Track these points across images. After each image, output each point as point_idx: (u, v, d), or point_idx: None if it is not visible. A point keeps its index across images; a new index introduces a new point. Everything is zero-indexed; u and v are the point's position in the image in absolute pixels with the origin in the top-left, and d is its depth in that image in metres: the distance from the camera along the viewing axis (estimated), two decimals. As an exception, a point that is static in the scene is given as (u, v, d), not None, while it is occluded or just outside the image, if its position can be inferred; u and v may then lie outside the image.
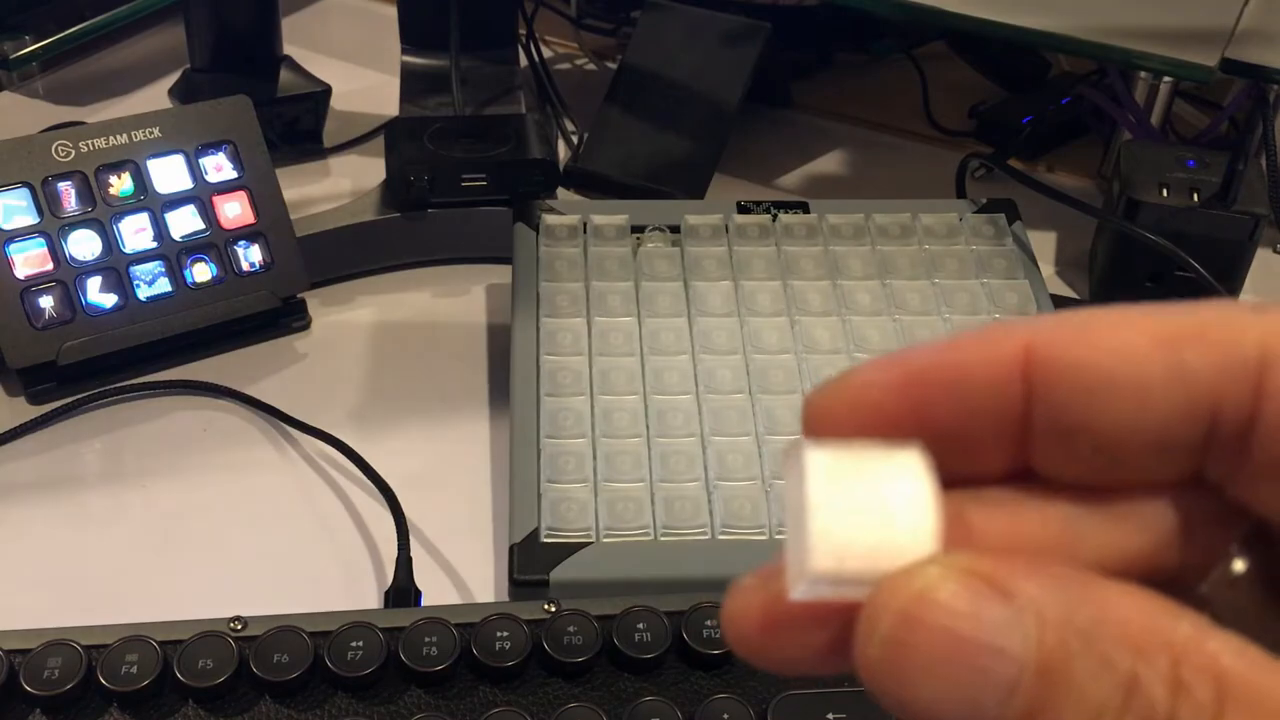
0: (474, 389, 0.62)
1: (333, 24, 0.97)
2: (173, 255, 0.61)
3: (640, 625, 0.42)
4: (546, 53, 0.90)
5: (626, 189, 0.74)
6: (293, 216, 0.64)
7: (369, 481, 0.55)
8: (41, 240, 0.58)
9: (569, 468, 0.51)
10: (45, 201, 0.58)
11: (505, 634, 0.42)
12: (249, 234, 0.62)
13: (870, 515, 0.17)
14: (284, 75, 0.78)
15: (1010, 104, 0.85)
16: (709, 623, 0.42)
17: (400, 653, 0.41)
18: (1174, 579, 0.18)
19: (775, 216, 0.64)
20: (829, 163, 0.82)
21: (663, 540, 0.49)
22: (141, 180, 0.60)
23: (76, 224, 0.59)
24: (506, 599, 0.49)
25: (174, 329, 0.60)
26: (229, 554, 0.52)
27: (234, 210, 0.62)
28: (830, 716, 0.40)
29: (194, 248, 0.61)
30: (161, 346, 0.61)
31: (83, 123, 0.72)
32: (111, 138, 0.60)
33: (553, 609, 0.43)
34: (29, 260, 0.58)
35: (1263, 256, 0.70)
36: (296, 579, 0.51)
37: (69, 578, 0.51)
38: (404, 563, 0.50)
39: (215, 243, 0.61)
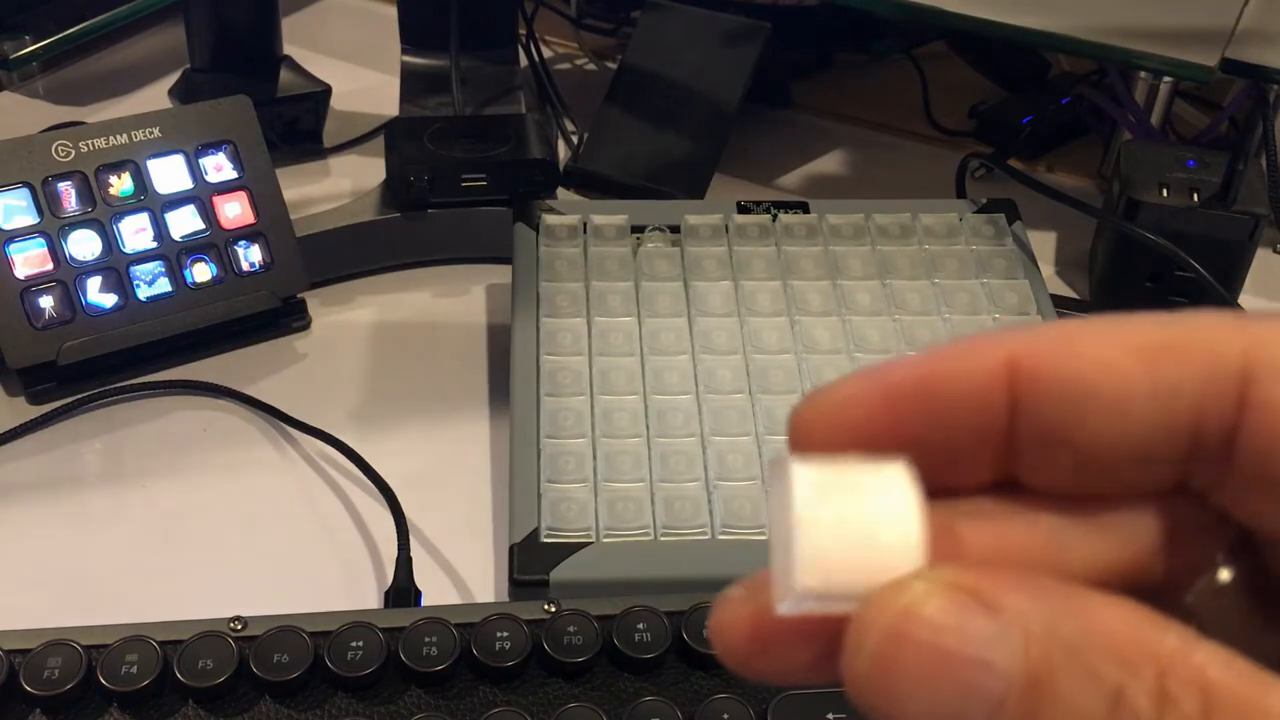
0: (474, 389, 0.62)
1: (333, 24, 0.97)
2: (173, 255, 0.61)
3: (640, 625, 0.42)
4: (546, 53, 0.90)
5: (626, 189, 0.74)
6: (293, 216, 0.64)
7: (369, 481, 0.55)
8: (41, 240, 0.58)
9: (569, 468, 0.51)
10: (45, 201, 0.58)
11: (505, 634, 0.42)
12: (249, 234, 0.62)
13: (856, 531, 0.17)
14: (284, 75, 0.78)
15: (1010, 104, 0.85)
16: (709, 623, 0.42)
17: (400, 653, 0.41)
18: (1160, 588, 0.18)
19: (775, 216, 0.64)
20: (829, 163, 0.82)
21: (663, 540, 0.49)
22: (141, 180, 0.60)
23: (76, 224, 0.59)
24: (506, 599, 0.49)
25: (174, 329, 0.60)
26: (229, 554, 0.52)
27: (234, 210, 0.62)
28: (830, 717, 0.40)
29: (194, 248, 0.61)
30: (161, 346, 0.61)
31: (83, 123, 0.73)
32: (111, 138, 0.60)
33: (553, 609, 0.43)
34: (29, 260, 0.58)
35: (1263, 256, 0.70)
36: (296, 579, 0.51)
37: (69, 578, 0.51)
38: (404, 563, 0.50)
39: (215, 243, 0.61)
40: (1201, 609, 0.18)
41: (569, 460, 0.51)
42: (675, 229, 0.63)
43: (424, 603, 0.49)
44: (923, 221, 0.63)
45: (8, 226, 0.57)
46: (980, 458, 0.18)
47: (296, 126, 0.78)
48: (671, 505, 0.50)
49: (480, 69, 0.80)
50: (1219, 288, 0.62)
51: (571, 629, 0.42)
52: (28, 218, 0.58)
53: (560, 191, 0.70)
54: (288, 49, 0.80)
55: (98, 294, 0.59)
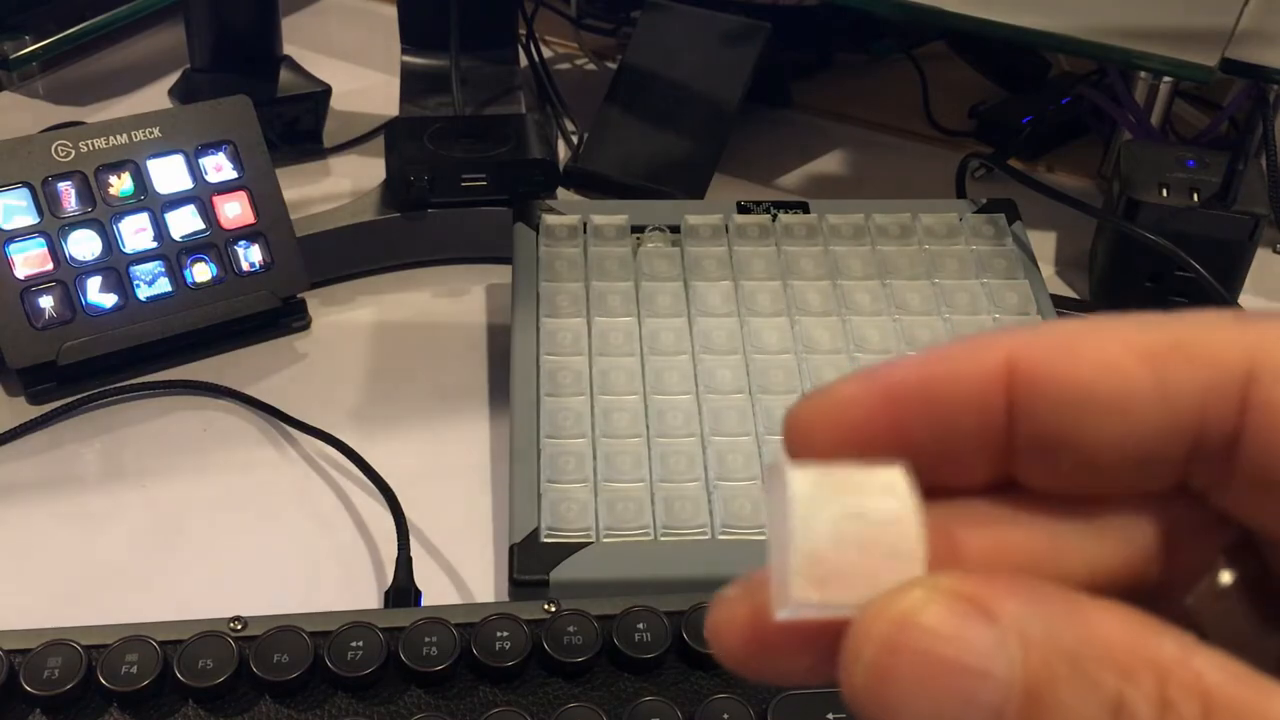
0: (474, 389, 0.62)
1: (333, 24, 0.97)
2: (173, 255, 0.61)
3: (640, 625, 0.42)
4: (546, 53, 0.90)
5: (626, 189, 0.74)
6: (293, 216, 0.64)
7: (369, 481, 0.55)
8: (41, 240, 0.58)
9: (569, 468, 0.51)
10: (45, 201, 0.58)
11: (505, 634, 0.42)
12: (249, 234, 0.62)
13: (853, 538, 0.17)
14: (284, 75, 0.78)
15: (1010, 104, 0.85)
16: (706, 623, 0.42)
17: (400, 653, 0.41)
18: (1160, 590, 0.18)
19: (775, 216, 0.64)
20: (829, 163, 0.82)
21: (663, 540, 0.49)
22: (141, 180, 0.60)
23: (76, 224, 0.59)
24: (506, 599, 0.49)
25: (174, 329, 0.60)
26: (229, 554, 0.52)
27: (234, 210, 0.62)
28: (830, 716, 0.40)
29: (194, 248, 0.61)
30: (161, 346, 0.61)
31: (83, 123, 0.73)
32: (111, 138, 0.60)
33: (553, 609, 0.43)
34: (29, 260, 0.58)
35: (1263, 256, 0.70)
36: (296, 579, 0.51)
37: (69, 578, 0.51)
38: (404, 563, 0.50)
39: (215, 243, 0.61)
40: (1202, 611, 0.18)
41: (569, 460, 0.51)
42: (675, 229, 0.63)
43: (424, 603, 0.49)
44: (923, 221, 0.63)
45: (8, 226, 0.57)
46: (979, 459, 0.18)
47: (296, 126, 0.78)
48: (671, 505, 0.50)
49: (480, 69, 0.80)
50: (1219, 288, 0.62)
51: (571, 629, 0.42)
52: (28, 218, 0.58)
53: (560, 191, 0.70)
54: (288, 49, 0.80)
55: (98, 294, 0.59)
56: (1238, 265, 0.65)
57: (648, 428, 0.53)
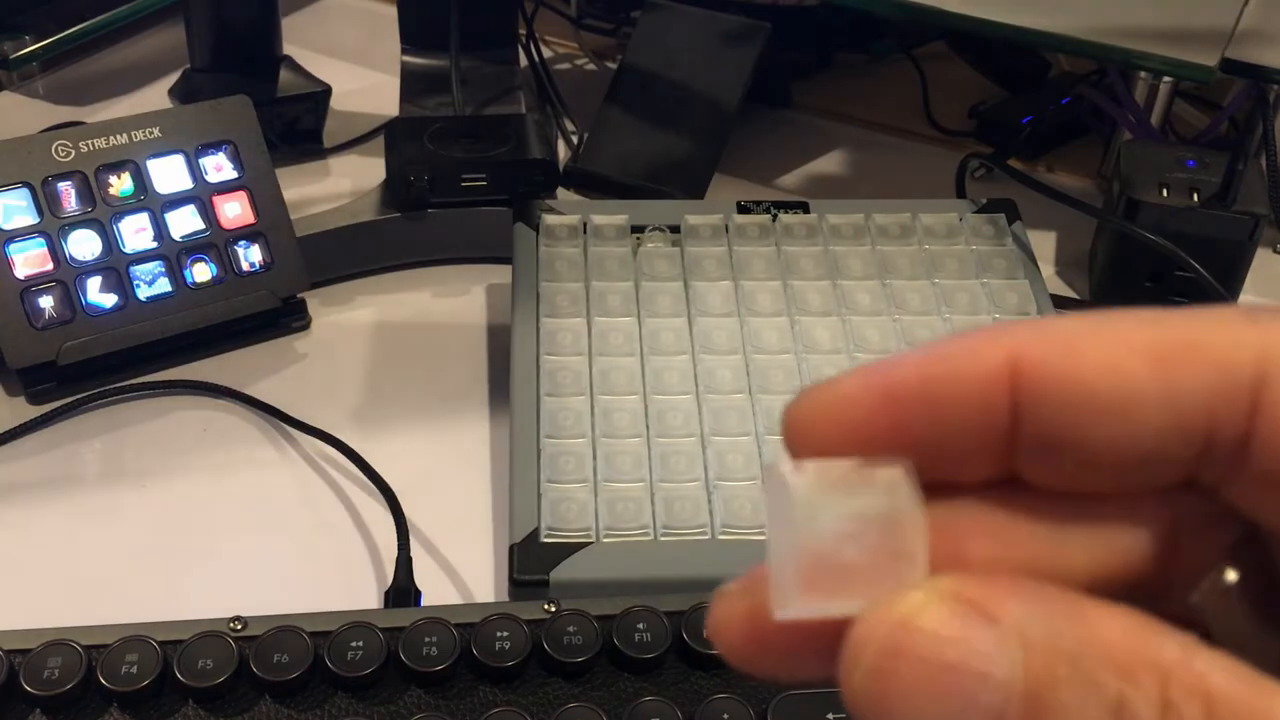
0: (474, 389, 0.62)
1: (333, 24, 0.97)
2: (173, 255, 0.61)
3: (640, 625, 0.42)
4: (546, 53, 0.90)
5: (626, 189, 0.74)
6: (293, 216, 0.64)
7: (369, 481, 0.55)
8: (41, 240, 0.58)
9: (569, 468, 0.51)
10: (45, 201, 0.58)
11: (505, 634, 0.42)
12: (249, 234, 0.62)
13: (854, 538, 0.16)
14: (284, 75, 0.78)
15: (1010, 104, 0.85)
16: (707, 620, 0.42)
17: (400, 653, 0.41)
18: (1165, 586, 0.18)
19: (775, 216, 0.64)
20: (829, 163, 0.82)
21: (663, 540, 0.49)
22: (141, 180, 0.60)
23: (76, 224, 0.59)
24: (506, 599, 0.49)
25: (174, 329, 0.60)
26: (229, 554, 0.52)
27: (234, 210, 0.62)
28: (830, 716, 0.40)
29: (194, 248, 0.61)
30: (161, 346, 0.61)
31: (83, 123, 0.73)
32: (111, 138, 0.60)
33: (553, 609, 0.43)
34: (29, 260, 0.58)
35: (1263, 256, 0.70)
36: (296, 579, 0.51)
37: (69, 578, 0.51)
38: (404, 563, 0.50)
39: (215, 243, 0.61)
40: (1206, 608, 0.18)
41: (569, 460, 0.51)
42: (675, 229, 0.63)
43: (424, 603, 0.49)
44: (923, 221, 0.63)
45: (8, 226, 0.57)
46: (981, 457, 0.18)
47: (296, 126, 0.78)
48: (671, 505, 0.50)
49: (480, 69, 0.80)
50: (1219, 288, 0.62)
51: (571, 629, 0.42)
52: (28, 218, 0.58)
53: (560, 191, 0.70)
54: (288, 49, 0.80)
55: (98, 294, 0.59)
56: (1238, 265, 0.65)
57: (648, 428, 0.53)
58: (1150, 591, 0.18)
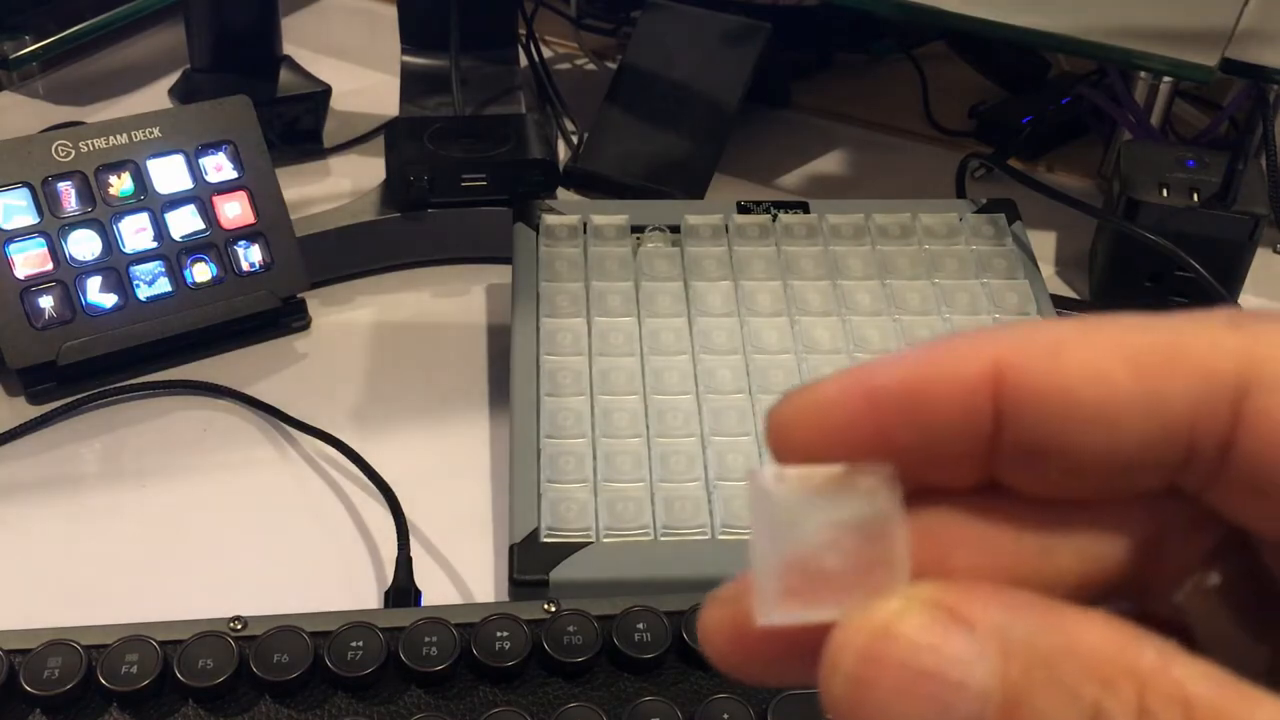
0: (474, 389, 0.62)
1: (333, 24, 0.97)
2: (173, 255, 0.61)
3: (640, 625, 0.42)
4: (546, 53, 0.90)
5: (626, 189, 0.74)
6: (293, 216, 0.64)
7: (369, 481, 0.55)
8: (41, 240, 0.58)
9: (569, 468, 0.51)
10: (45, 201, 0.58)
11: (505, 634, 0.42)
12: (249, 234, 0.62)
13: (835, 545, 0.17)
14: (284, 75, 0.78)
15: (1010, 104, 0.85)
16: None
17: (400, 653, 0.41)
18: (1152, 586, 0.18)
19: (775, 216, 0.64)
20: (829, 163, 0.82)
21: (663, 540, 0.49)
22: (141, 180, 0.60)
23: (76, 224, 0.59)
24: (506, 599, 0.49)
25: (174, 329, 0.60)
26: (229, 554, 0.52)
27: (234, 210, 0.62)
28: (830, 717, 0.40)
29: (194, 248, 0.61)
30: (161, 346, 0.61)
31: (83, 123, 0.73)
32: (111, 138, 0.60)
33: (553, 609, 0.43)
34: (29, 260, 0.58)
35: (1263, 256, 0.70)
36: (296, 579, 0.51)
37: (69, 578, 0.51)
38: (404, 563, 0.50)
39: (215, 243, 0.61)
40: (1190, 610, 0.18)
41: (569, 460, 0.51)
42: (675, 229, 0.63)
43: (424, 603, 0.49)
44: (923, 221, 0.63)
45: (8, 226, 0.57)
46: (965, 462, 0.18)
47: (296, 126, 0.78)
48: (671, 505, 0.50)
49: (480, 69, 0.80)
50: (1219, 288, 0.62)
51: (571, 629, 0.42)
52: (28, 218, 0.58)
53: (560, 191, 0.70)
54: (288, 49, 0.80)
55: (98, 294, 0.59)
56: (1238, 265, 0.65)
57: (648, 428, 0.53)
58: (1139, 591, 0.18)
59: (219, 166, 0.62)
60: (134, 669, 0.40)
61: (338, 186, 0.76)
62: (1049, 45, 0.77)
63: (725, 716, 0.40)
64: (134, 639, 0.41)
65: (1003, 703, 0.15)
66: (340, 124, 0.80)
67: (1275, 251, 0.74)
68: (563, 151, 0.78)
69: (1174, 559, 0.18)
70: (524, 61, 0.84)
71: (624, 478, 0.51)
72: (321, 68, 0.80)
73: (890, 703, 0.15)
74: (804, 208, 0.64)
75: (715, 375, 0.55)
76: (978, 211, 0.64)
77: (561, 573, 0.47)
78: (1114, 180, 0.70)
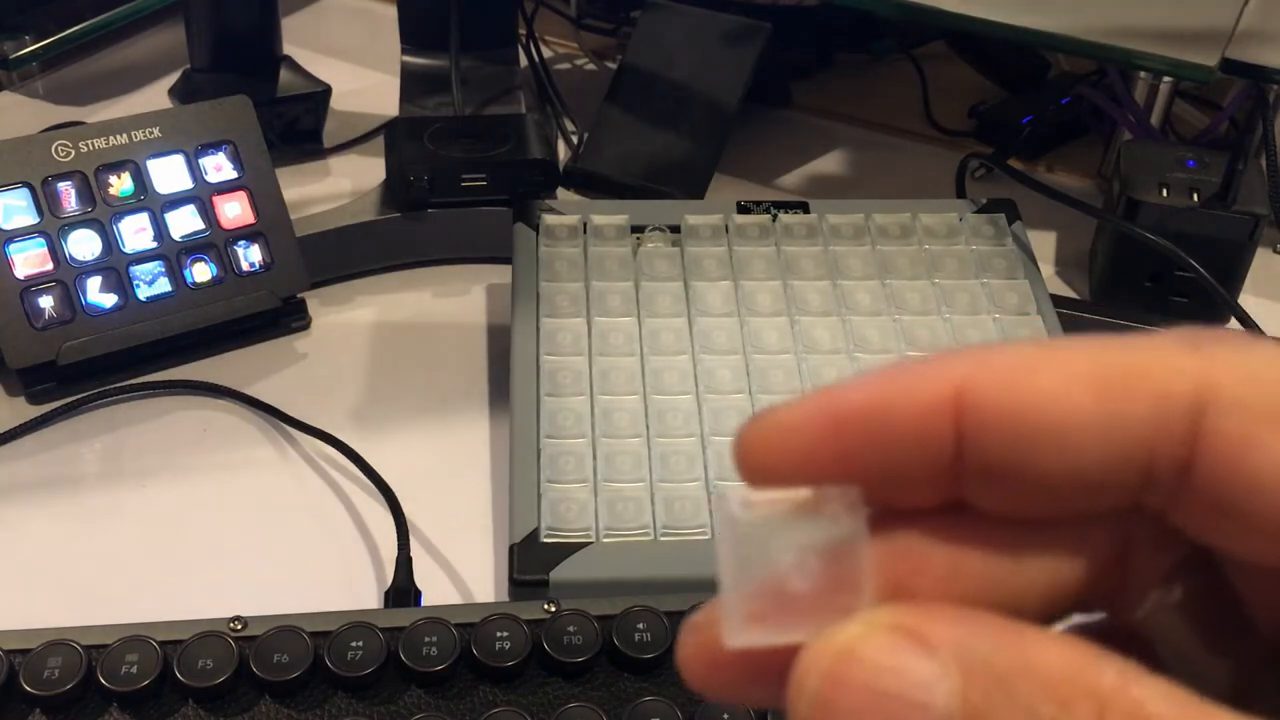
0: (474, 389, 0.62)
1: (333, 24, 0.97)
2: (173, 255, 0.61)
3: (640, 625, 0.42)
4: (546, 53, 0.90)
5: (626, 189, 0.74)
6: (293, 216, 0.64)
7: (369, 481, 0.55)
8: (41, 240, 0.58)
9: (569, 468, 0.51)
10: (45, 201, 0.58)
11: (505, 634, 0.42)
12: (249, 234, 0.62)
13: (800, 569, 0.17)
14: (284, 75, 0.78)
15: (1010, 104, 0.85)
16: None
17: (400, 653, 0.41)
18: (1117, 601, 0.18)
19: (775, 216, 0.64)
20: (829, 163, 0.82)
21: (663, 540, 0.49)
22: (141, 180, 0.60)
23: (76, 224, 0.59)
24: (506, 599, 0.49)
25: (174, 329, 0.60)
26: (229, 554, 0.52)
27: (234, 210, 0.62)
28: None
29: (194, 248, 0.61)
30: (161, 346, 0.61)
31: (83, 123, 0.73)
32: (111, 138, 0.60)
33: (553, 609, 0.43)
34: (29, 260, 0.58)
35: (1263, 256, 0.70)
36: (296, 579, 0.51)
37: (69, 578, 0.51)
38: (404, 563, 0.50)
39: (215, 243, 0.61)
40: (1153, 625, 0.18)
41: (569, 460, 0.51)
42: (675, 229, 0.63)
43: (424, 603, 0.49)
44: (923, 221, 0.63)
45: (8, 226, 0.57)
46: (930, 484, 0.18)
47: (296, 126, 0.78)
48: (671, 505, 0.50)
49: (480, 69, 0.80)
50: (1219, 288, 0.62)
51: (571, 629, 0.42)
52: (28, 218, 0.58)
53: (560, 191, 0.70)
54: (288, 49, 0.80)
55: (98, 294, 0.59)
56: (1238, 265, 0.65)
57: (648, 428, 0.53)
58: (1107, 605, 0.19)
59: (219, 166, 0.62)
60: (134, 669, 0.40)
61: (338, 186, 0.76)
62: (1049, 45, 0.77)
63: (725, 716, 0.40)
64: (134, 639, 0.41)
65: None
66: (340, 124, 0.80)
67: (1275, 251, 0.74)
68: (563, 151, 0.78)
69: (1139, 575, 0.18)
70: (524, 61, 0.84)
71: (624, 478, 0.51)
72: (321, 68, 0.80)
73: None
74: (804, 208, 0.64)
75: (715, 375, 0.55)
76: (978, 211, 0.64)
77: (561, 573, 0.47)
78: (1114, 180, 0.70)
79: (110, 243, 0.59)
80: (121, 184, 0.60)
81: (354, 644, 0.41)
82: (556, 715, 0.40)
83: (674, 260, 0.61)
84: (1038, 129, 0.81)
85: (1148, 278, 0.66)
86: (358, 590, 0.51)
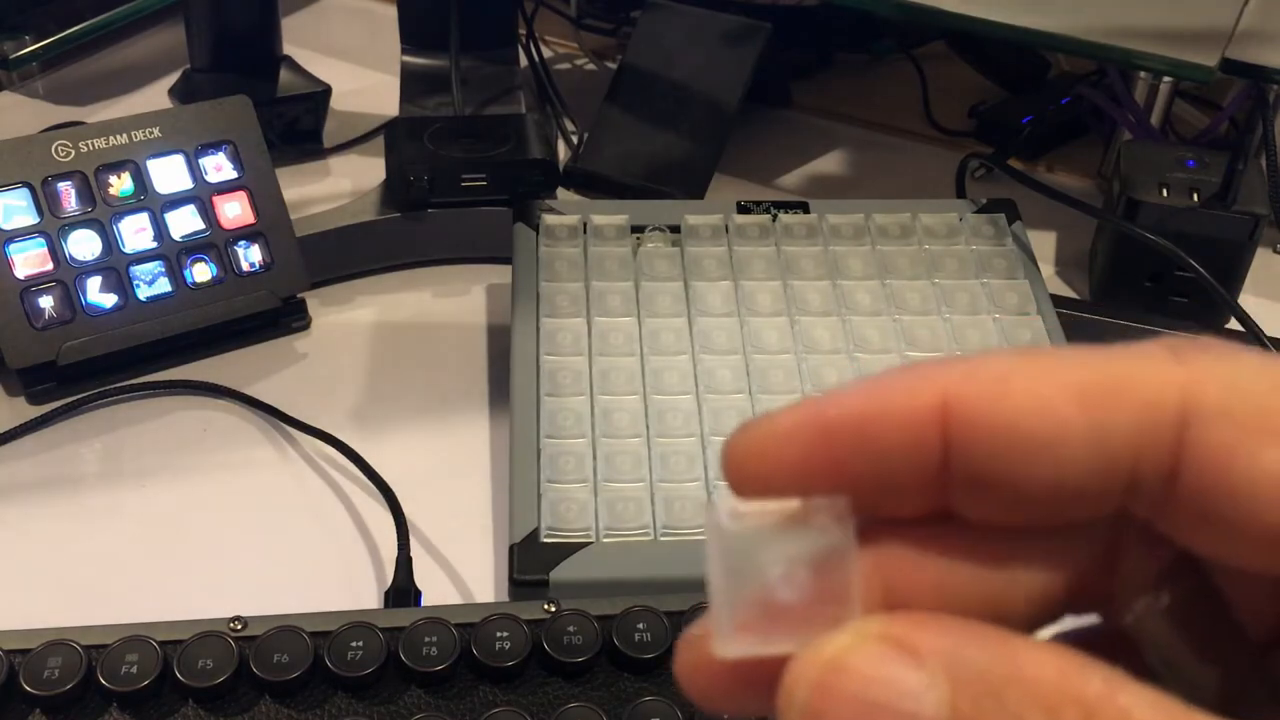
0: (474, 389, 0.62)
1: (333, 24, 0.97)
2: (173, 255, 0.61)
3: (640, 625, 0.42)
4: (546, 53, 0.90)
5: (626, 189, 0.74)
6: (293, 216, 0.64)
7: (369, 481, 0.55)
8: (41, 240, 0.58)
9: (569, 468, 0.51)
10: (45, 201, 0.58)
11: (505, 634, 0.42)
12: (249, 234, 0.62)
13: (789, 579, 0.17)
14: (284, 75, 0.78)
15: (1010, 104, 0.85)
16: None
17: (400, 653, 0.41)
18: (1104, 606, 0.19)
19: (775, 216, 0.64)
20: (829, 163, 0.82)
21: (663, 540, 0.49)
22: (141, 180, 0.60)
23: (76, 224, 0.59)
24: (506, 599, 0.49)
25: (174, 329, 0.60)
26: (229, 554, 0.52)
27: (234, 210, 0.62)
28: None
29: (194, 248, 0.61)
30: (161, 346, 0.61)
31: (83, 123, 0.73)
32: (111, 138, 0.60)
33: (553, 609, 0.43)
34: (29, 260, 0.58)
35: (1263, 256, 0.70)
36: (296, 579, 0.51)
37: (69, 578, 0.51)
38: (404, 563, 0.50)
39: (215, 243, 0.61)
40: (1140, 631, 0.18)
41: (569, 460, 0.51)
42: (675, 229, 0.63)
43: (424, 603, 0.49)
44: (923, 221, 0.63)
45: (8, 226, 0.57)
46: (918, 494, 0.18)
47: (296, 126, 0.78)
48: (671, 505, 0.50)
49: (480, 69, 0.80)
50: (1219, 288, 0.62)
51: (571, 629, 0.42)
52: (28, 218, 0.58)
53: (560, 191, 0.70)
54: (288, 49, 0.80)
55: (98, 294, 0.59)
56: (1238, 265, 0.65)
57: (648, 428, 0.53)
58: (1098, 608, 0.19)
59: (219, 166, 0.62)
60: (134, 669, 0.40)
61: (338, 186, 0.76)
62: (1049, 45, 0.77)
63: (725, 717, 0.40)
64: (134, 639, 0.41)
65: None
66: (340, 124, 0.80)
67: (1275, 251, 0.74)
68: (563, 151, 0.78)
69: (1126, 582, 0.18)
70: (524, 61, 0.84)
71: (624, 478, 0.51)
72: (321, 68, 0.80)
73: None
74: (804, 208, 0.64)
75: (715, 375, 0.55)
76: (978, 211, 0.64)
77: (561, 573, 0.47)
78: (1114, 180, 0.70)
79: (110, 243, 0.59)
80: (121, 184, 0.60)
81: (354, 644, 0.41)
82: (556, 715, 0.40)
83: (674, 260, 0.61)
84: (1038, 129, 0.81)
85: (1148, 278, 0.66)
86: (358, 590, 0.51)
